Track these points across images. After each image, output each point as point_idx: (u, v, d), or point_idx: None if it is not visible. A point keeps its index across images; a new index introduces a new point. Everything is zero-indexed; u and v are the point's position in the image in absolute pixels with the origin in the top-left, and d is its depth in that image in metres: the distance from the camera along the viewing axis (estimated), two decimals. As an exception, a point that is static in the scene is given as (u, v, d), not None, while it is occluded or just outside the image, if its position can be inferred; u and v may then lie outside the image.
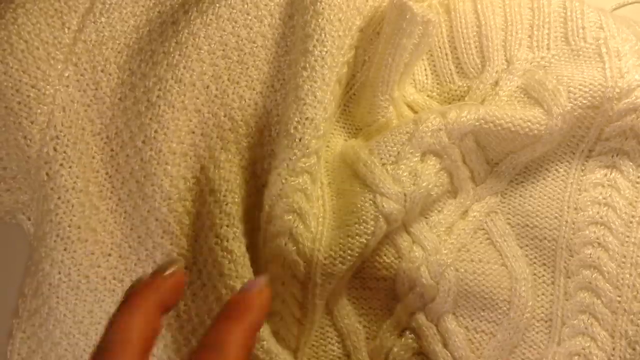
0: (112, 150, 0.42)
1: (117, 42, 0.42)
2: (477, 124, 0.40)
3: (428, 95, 0.45)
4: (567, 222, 0.43)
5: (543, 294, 0.42)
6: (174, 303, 0.31)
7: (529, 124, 0.40)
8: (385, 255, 0.41)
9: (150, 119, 0.41)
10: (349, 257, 0.39)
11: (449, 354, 0.41)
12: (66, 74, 0.41)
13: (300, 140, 0.39)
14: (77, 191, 0.41)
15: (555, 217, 0.43)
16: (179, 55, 0.41)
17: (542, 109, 0.41)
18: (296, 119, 0.39)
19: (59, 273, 0.40)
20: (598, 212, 0.43)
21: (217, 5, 0.42)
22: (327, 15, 0.40)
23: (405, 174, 0.40)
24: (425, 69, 0.46)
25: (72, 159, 0.41)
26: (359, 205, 0.40)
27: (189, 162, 0.41)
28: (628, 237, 0.42)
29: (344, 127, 0.45)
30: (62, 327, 0.41)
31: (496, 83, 0.43)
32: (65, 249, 0.40)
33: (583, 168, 0.44)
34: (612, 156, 0.43)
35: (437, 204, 0.43)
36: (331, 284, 0.40)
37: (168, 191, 0.40)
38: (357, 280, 0.42)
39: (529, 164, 0.43)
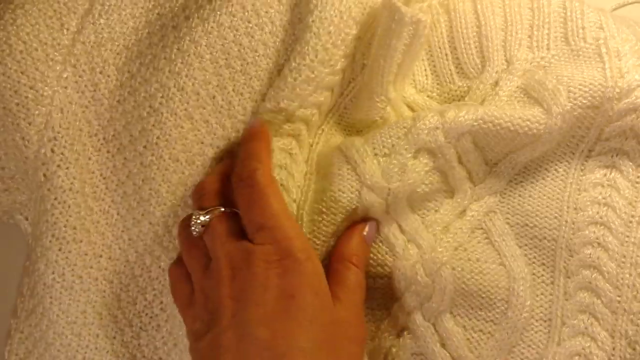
0: (108, 152, 0.42)
1: (116, 43, 0.42)
2: (475, 124, 0.40)
3: (428, 96, 0.45)
4: (566, 222, 0.43)
5: (542, 294, 0.42)
6: None
7: (528, 123, 0.40)
8: (378, 252, 0.42)
9: (153, 125, 0.41)
10: (322, 238, 0.40)
11: (447, 354, 0.41)
12: (65, 75, 0.41)
13: (286, 109, 0.41)
14: (74, 192, 0.41)
15: (555, 217, 0.43)
16: (181, 62, 0.41)
17: (541, 108, 0.41)
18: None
19: (53, 273, 0.41)
20: (598, 212, 0.43)
21: (218, 12, 0.42)
22: (315, 30, 0.41)
23: (395, 169, 0.40)
24: (425, 70, 0.46)
25: (69, 160, 0.41)
26: (343, 193, 0.40)
27: (195, 170, 0.41)
28: (628, 237, 0.42)
29: (344, 130, 0.45)
30: (55, 328, 0.41)
31: (496, 83, 0.43)
32: (60, 249, 0.41)
33: (583, 168, 0.44)
34: (612, 156, 0.43)
35: (433, 204, 0.43)
36: None
37: (164, 197, 0.41)
38: None
39: (528, 163, 0.43)
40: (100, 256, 0.42)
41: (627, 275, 0.41)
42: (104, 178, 0.42)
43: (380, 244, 0.42)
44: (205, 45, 0.41)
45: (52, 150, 0.41)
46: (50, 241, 0.40)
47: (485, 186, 0.43)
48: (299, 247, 0.36)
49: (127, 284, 0.42)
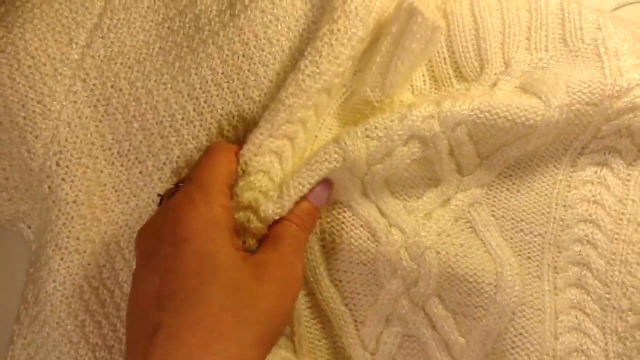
0: (122, 165, 0.42)
1: (127, 57, 0.42)
2: (471, 114, 0.40)
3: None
4: (554, 218, 0.43)
5: (530, 285, 0.42)
6: None
7: (525, 113, 0.40)
8: (360, 238, 0.41)
9: (174, 145, 0.42)
10: (307, 185, 0.39)
11: (439, 336, 0.41)
12: (74, 90, 0.41)
13: (289, 106, 0.39)
14: (79, 204, 0.41)
15: (542, 213, 0.43)
16: (200, 89, 0.42)
17: (540, 100, 0.41)
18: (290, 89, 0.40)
19: (54, 281, 0.41)
20: (587, 210, 0.43)
21: (233, 41, 0.42)
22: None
23: (383, 151, 0.40)
24: (423, 74, 0.45)
25: (74, 174, 0.41)
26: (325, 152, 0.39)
27: None
28: (617, 234, 0.43)
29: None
30: (54, 336, 0.41)
31: (494, 85, 0.43)
32: (62, 259, 0.41)
33: (574, 165, 0.44)
34: (604, 154, 0.44)
35: (416, 190, 0.43)
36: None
37: None
38: (336, 262, 0.42)
39: (520, 158, 0.43)
40: (104, 266, 0.42)
41: (617, 273, 0.42)
42: (116, 191, 0.42)
43: (362, 229, 0.41)
44: (222, 74, 0.42)
45: (57, 164, 0.41)
46: (52, 250, 0.41)
47: (474, 178, 0.43)
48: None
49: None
